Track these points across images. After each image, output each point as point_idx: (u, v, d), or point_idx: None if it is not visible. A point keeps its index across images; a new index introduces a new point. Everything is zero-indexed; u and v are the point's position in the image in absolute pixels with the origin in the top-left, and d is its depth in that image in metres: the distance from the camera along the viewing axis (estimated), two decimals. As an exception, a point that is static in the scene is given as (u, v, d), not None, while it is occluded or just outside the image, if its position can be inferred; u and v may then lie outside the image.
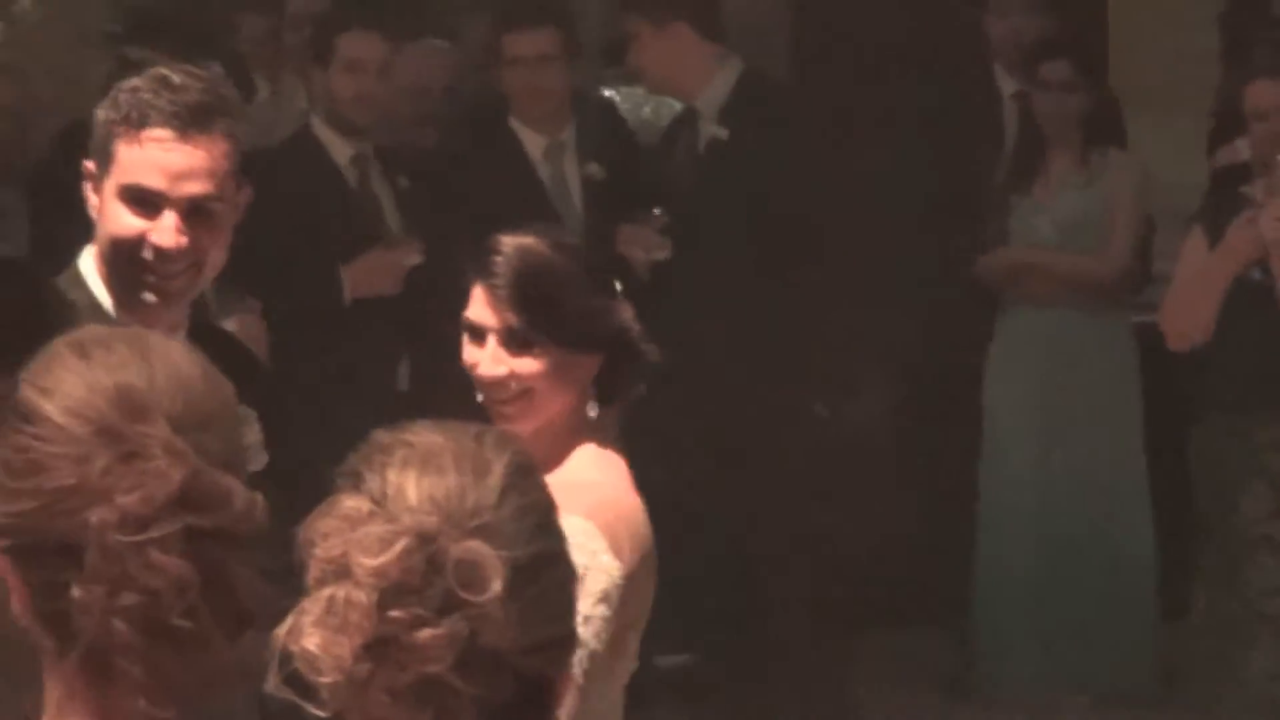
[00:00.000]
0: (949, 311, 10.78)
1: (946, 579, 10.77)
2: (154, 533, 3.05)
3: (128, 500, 3.05)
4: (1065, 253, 10.99)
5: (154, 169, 5.38)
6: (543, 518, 3.20)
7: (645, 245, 9.44)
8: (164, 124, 5.41)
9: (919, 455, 10.58)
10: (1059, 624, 10.88)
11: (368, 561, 3.00)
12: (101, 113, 5.60)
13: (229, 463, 3.19)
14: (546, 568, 3.15)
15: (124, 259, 5.45)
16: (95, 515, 3.06)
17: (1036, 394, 11.00)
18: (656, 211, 9.55)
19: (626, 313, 5.43)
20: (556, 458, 5.36)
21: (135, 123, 5.43)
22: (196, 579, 3.08)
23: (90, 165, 5.53)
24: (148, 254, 5.37)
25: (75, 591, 3.08)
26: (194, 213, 5.39)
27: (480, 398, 5.47)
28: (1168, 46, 12.02)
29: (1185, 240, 9.77)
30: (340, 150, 9.86)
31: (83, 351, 3.22)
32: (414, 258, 9.24)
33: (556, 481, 4.97)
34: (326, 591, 3.03)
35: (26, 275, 5.31)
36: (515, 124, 9.96)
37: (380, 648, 3.01)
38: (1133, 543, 10.93)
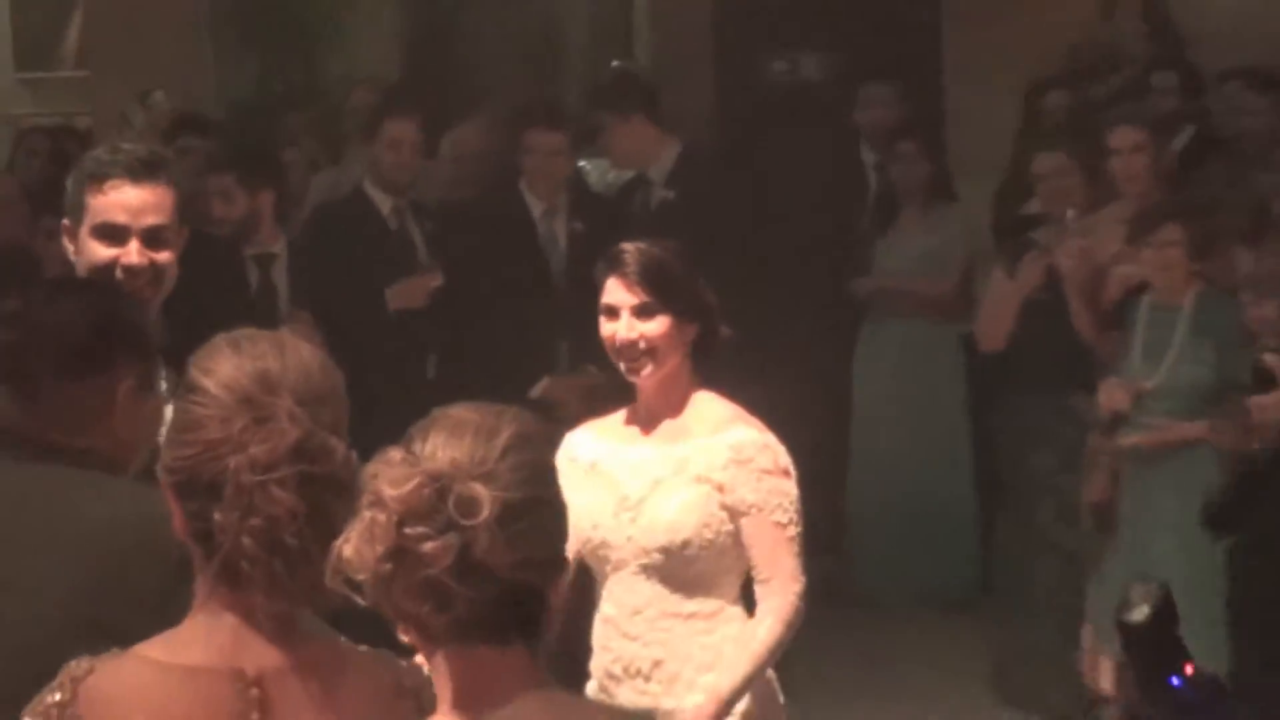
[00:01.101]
0: (831, 321, 11.00)
1: (829, 518, 10.82)
2: (275, 475, 3.29)
3: (257, 450, 3.30)
4: (912, 279, 11.05)
5: (117, 208, 5.26)
6: (536, 471, 3.26)
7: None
8: (120, 175, 5.28)
9: (811, 424, 10.66)
10: (908, 551, 10.98)
11: (391, 492, 3.16)
12: (70, 181, 5.49)
13: (335, 428, 3.40)
14: (534, 507, 3.22)
15: None
16: (233, 461, 3.30)
17: (890, 381, 11.08)
18: None
19: (711, 297, 5.63)
20: (679, 402, 5.63)
21: (99, 178, 5.30)
22: (304, 509, 3.31)
23: (66, 222, 5.41)
24: (120, 274, 5.19)
25: (216, 516, 3.31)
26: (150, 239, 5.24)
27: (619, 362, 5.60)
28: (988, 127, 12.06)
29: (992, 272, 9.86)
30: (384, 203, 9.89)
31: (236, 345, 3.43)
32: (437, 281, 9.35)
33: (711, 415, 5.57)
34: (365, 514, 3.22)
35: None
36: (524, 190, 10.02)
37: (398, 555, 3.15)
38: (959, 490, 11.06)
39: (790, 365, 10.09)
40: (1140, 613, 3.74)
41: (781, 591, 5.42)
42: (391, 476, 3.19)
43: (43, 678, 3.37)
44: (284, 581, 3.35)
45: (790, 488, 5.56)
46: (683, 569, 5.53)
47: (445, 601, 3.17)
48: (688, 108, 11.43)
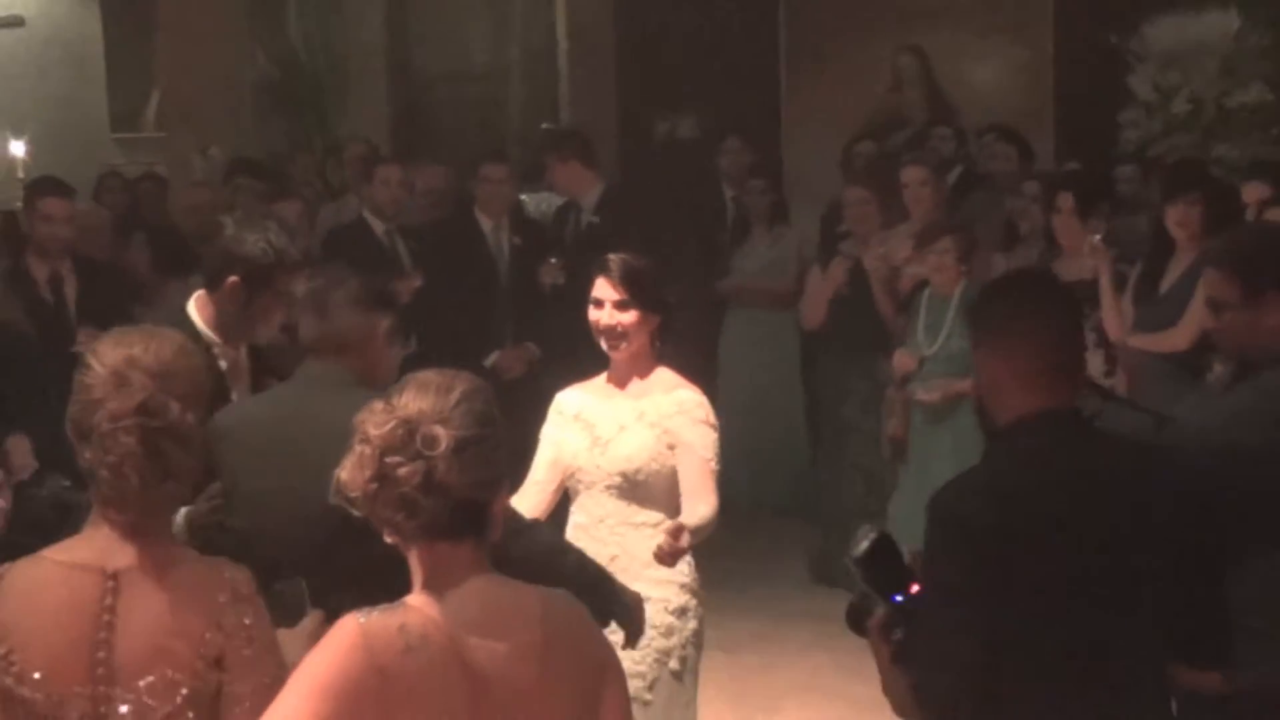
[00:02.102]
0: (703, 310, 10.83)
1: None
2: (122, 424, 3.31)
3: (113, 406, 3.33)
4: (760, 280, 11.01)
5: None
6: (480, 417, 3.30)
7: (550, 276, 9.49)
8: None
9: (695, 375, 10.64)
10: (755, 471, 10.77)
11: (375, 432, 3.22)
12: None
13: (184, 396, 3.39)
14: (479, 441, 3.26)
15: None
16: (98, 415, 3.34)
17: (745, 353, 11.05)
18: (554, 260, 9.58)
19: (672, 295, 5.60)
20: (645, 372, 5.60)
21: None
22: (140, 450, 3.31)
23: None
24: None
25: (86, 454, 3.37)
26: None
27: (600, 340, 5.57)
28: (815, 168, 12.06)
29: (810, 272, 9.93)
30: (378, 227, 9.84)
31: (117, 337, 3.48)
32: (417, 283, 9.23)
33: (666, 382, 5.60)
34: (356, 448, 3.25)
35: None
36: (478, 213, 9.97)
37: (380, 477, 3.21)
38: (793, 429, 11.05)
39: (675, 343, 10.10)
40: (860, 549, 3.75)
41: (705, 503, 5.40)
42: (375, 421, 3.26)
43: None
44: (132, 501, 3.35)
45: (713, 435, 5.56)
46: (635, 489, 5.53)
47: (414, 510, 3.23)
48: (599, 157, 11.29)
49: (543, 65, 15.31)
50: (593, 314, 5.58)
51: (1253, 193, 7.81)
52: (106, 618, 3.31)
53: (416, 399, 3.28)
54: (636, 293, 5.52)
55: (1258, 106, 11.42)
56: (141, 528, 3.38)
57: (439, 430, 3.24)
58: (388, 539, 3.30)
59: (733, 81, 13.28)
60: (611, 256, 5.61)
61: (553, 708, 3.26)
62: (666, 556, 5.14)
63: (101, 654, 3.30)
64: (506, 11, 15.81)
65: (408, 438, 3.23)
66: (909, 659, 3.70)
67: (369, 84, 15.86)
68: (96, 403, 3.36)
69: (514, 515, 4.40)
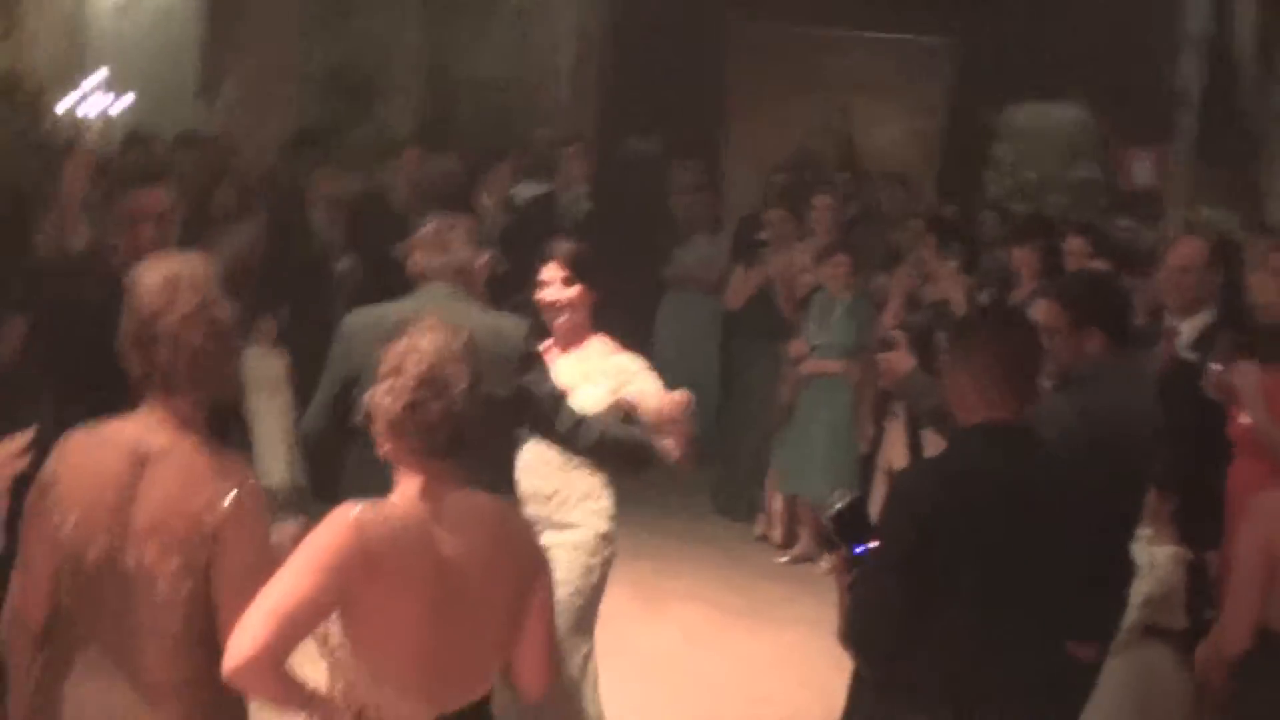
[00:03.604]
0: (648, 292, 10.77)
1: None
2: (189, 324, 3.30)
3: (180, 309, 3.31)
4: (695, 270, 10.76)
5: None
6: (477, 359, 3.27)
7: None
8: None
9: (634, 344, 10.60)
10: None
11: (411, 369, 3.15)
12: None
13: (222, 295, 3.37)
14: (478, 383, 3.23)
15: None
16: (164, 320, 3.31)
17: (677, 327, 10.80)
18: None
19: (605, 279, 5.43)
20: (582, 339, 5.36)
21: None
22: (203, 343, 3.31)
23: None
24: None
25: (156, 354, 3.30)
26: None
27: (545, 314, 5.37)
28: (746, 187, 12.02)
29: (736, 268, 9.89)
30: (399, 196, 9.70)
31: (156, 261, 3.47)
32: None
33: (603, 348, 5.26)
34: (388, 381, 3.18)
35: None
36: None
37: (410, 407, 3.15)
38: (709, 390, 10.28)
39: (627, 318, 10.08)
40: (834, 508, 3.75)
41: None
42: (409, 359, 3.20)
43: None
44: (199, 383, 3.33)
45: (658, 383, 5.37)
46: None
47: (430, 436, 3.20)
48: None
49: (547, 82, 15.26)
50: (539, 294, 5.40)
51: (1073, 244, 7.84)
52: (128, 491, 3.27)
53: (435, 340, 3.24)
54: (581, 273, 5.35)
55: (1087, 182, 11.55)
56: (186, 416, 3.33)
57: (458, 369, 3.22)
58: (380, 451, 3.27)
59: (690, 115, 13.19)
60: (559, 244, 5.49)
61: (496, 592, 3.26)
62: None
63: (122, 515, 3.27)
64: (527, 34, 15.74)
65: (436, 376, 3.20)
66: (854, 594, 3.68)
67: (406, 81, 15.77)
68: (157, 312, 3.30)
69: (573, 413, 4.84)
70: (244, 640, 3.03)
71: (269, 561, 3.21)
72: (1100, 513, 3.80)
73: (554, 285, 5.37)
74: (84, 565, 3.29)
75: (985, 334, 3.83)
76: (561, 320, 5.37)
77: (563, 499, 5.35)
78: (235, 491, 3.24)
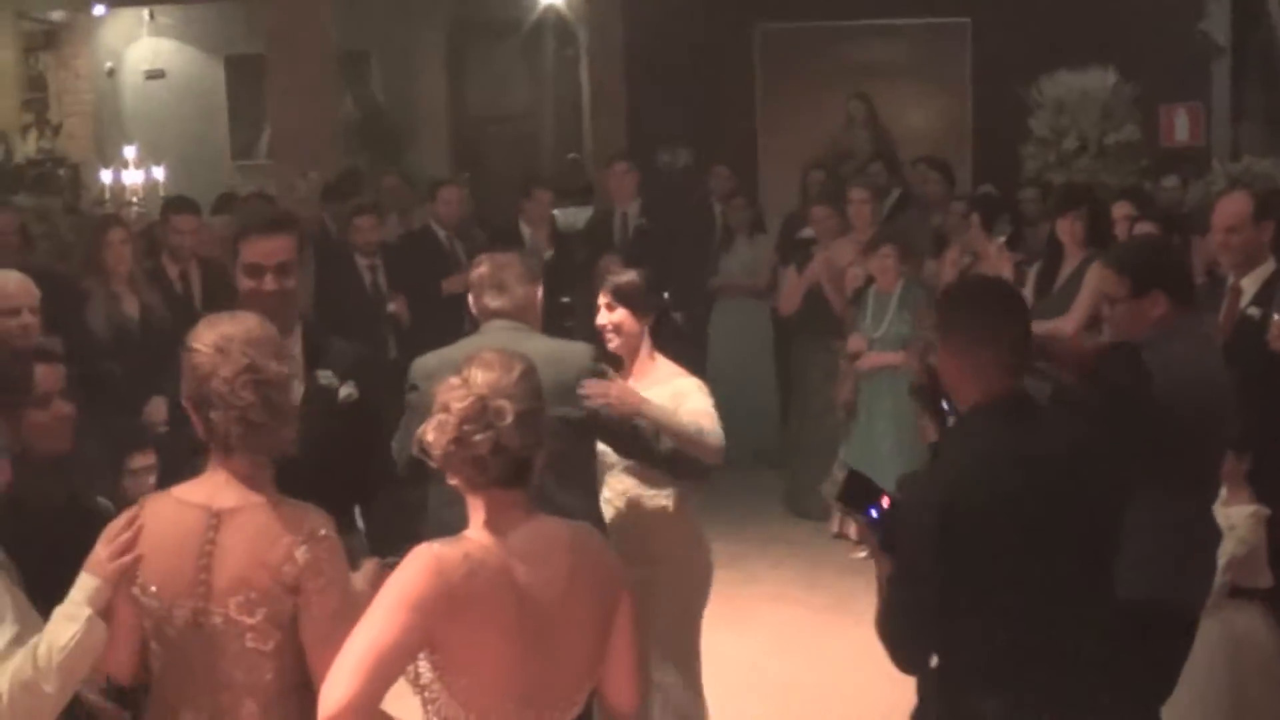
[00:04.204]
0: (700, 302, 10.68)
1: None
2: (237, 382, 3.31)
3: (225, 372, 3.32)
4: (742, 278, 10.82)
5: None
6: (535, 391, 3.24)
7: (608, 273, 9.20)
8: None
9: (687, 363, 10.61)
10: (738, 427, 10.76)
11: (455, 405, 3.13)
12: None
13: (274, 355, 3.38)
14: (533, 414, 3.19)
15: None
16: (214, 381, 3.32)
17: (729, 335, 10.84)
18: (611, 256, 9.29)
19: (663, 301, 5.41)
20: (646, 366, 5.30)
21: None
22: (256, 400, 3.31)
23: None
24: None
25: (211, 414, 3.34)
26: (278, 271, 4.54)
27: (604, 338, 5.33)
28: (784, 190, 12.00)
29: (788, 270, 9.81)
30: (440, 234, 9.71)
31: (210, 322, 3.46)
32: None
33: (665, 372, 5.17)
34: (437, 417, 3.16)
35: None
36: (521, 223, 10.04)
37: (457, 441, 3.13)
38: (767, 393, 10.82)
39: (674, 332, 10.08)
40: (835, 485, 3.74)
41: (715, 430, 5.18)
42: (455, 396, 3.19)
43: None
44: (251, 444, 3.33)
45: (710, 400, 5.26)
46: (645, 469, 5.31)
47: (484, 468, 3.19)
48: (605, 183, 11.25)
49: (569, 108, 15.31)
50: (599, 317, 5.40)
51: (1120, 210, 7.80)
52: (208, 548, 3.29)
53: (486, 375, 3.22)
54: (622, 298, 5.29)
55: (1129, 143, 11.45)
56: (249, 475, 3.35)
57: (506, 404, 3.19)
58: (450, 483, 3.27)
59: (720, 121, 13.21)
60: (609, 269, 5.49)
61: (579, 615, 3.25)
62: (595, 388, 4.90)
63: (203, 576, 3.28)
64: (541, 65, 15.81)
65: (481, 410, 3.18)
66: (889, 551, 3.61)
67: (433, 124, 15.88)
68: (208, 374, 3.32)
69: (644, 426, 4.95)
70: (336, 688, 3.02)
71: (353, 606, 3.22)
72: (1124, 469, 3.70)
73: (601, 311, 5.37)
74: (170, 629, 3.31)
75: (976, 310, 3.70)
76: (614, 345, 5.34)
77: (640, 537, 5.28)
78: (309, 542, 3.26)
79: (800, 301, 9.61)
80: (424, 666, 3.15)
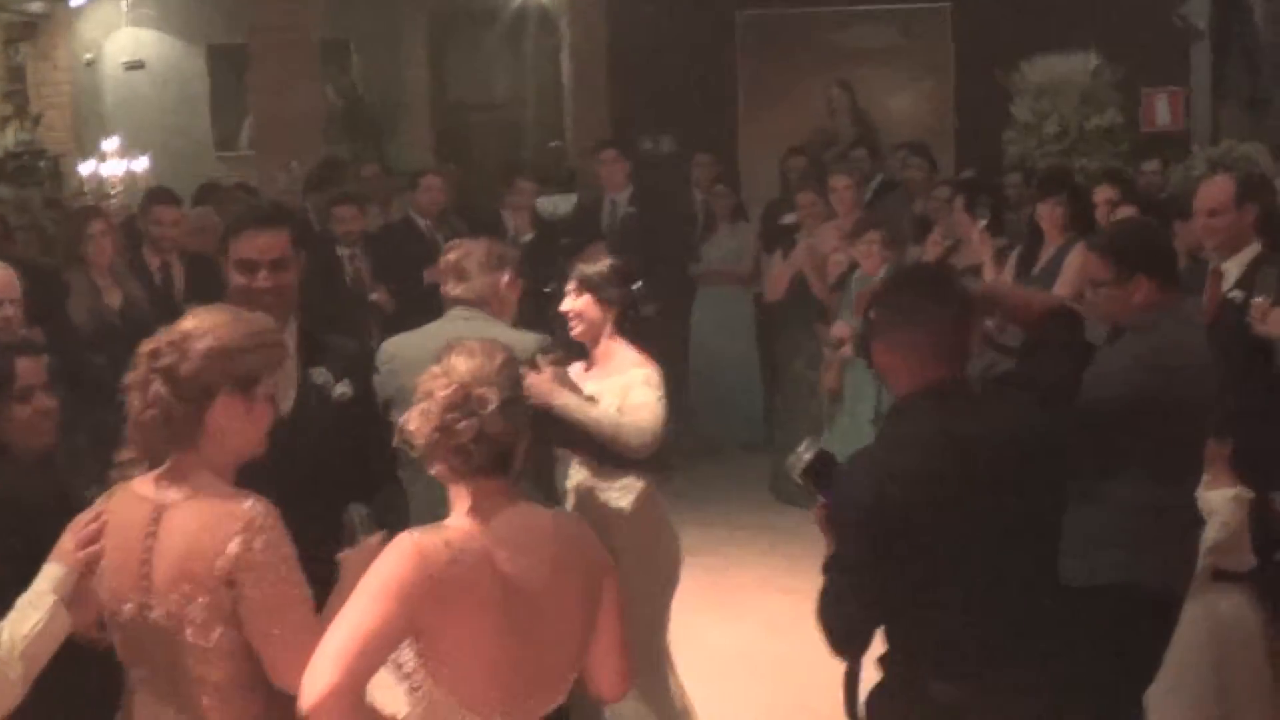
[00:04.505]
0: (682, 289, 10.74)
1: (680, 398, 10.81)
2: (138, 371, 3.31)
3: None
4: (724, 265, 10.83)
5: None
6: (517, 379, 3.26)
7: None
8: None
9: (670, 348, 10.59)
10: (723, 415, 10.87)
11: (439, 393, 3.13)
12: None
13: (206, 351, 3.29)
14: (516, 401, 3.21)
15: None
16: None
17: (713, 323, 10.89)
18: (600, 244, 9.45)
19: (630, 293, 5.37)
20: (607, 354, 5.30)
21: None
22: (162, 389, 3.27)
23: None
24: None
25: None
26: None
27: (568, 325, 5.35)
28: (764, 177, 12.01)
29: (774, 257, 9.78)
30: (420, 223, 9.78)
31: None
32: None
33: (623, 362, 5.11)
34: (420, 405, 3.17)
35: None
36: (504, 213, 10.01)
37: (441, 430, 3.13)
38: (751, 381, 10.87)
39: (661, 312, 10.12)
40: (801, 461, 3.71)
41: (628, 415, 5.12)
42: (438, 384, 3.19)
43: None
44: (158, 443, 3.33)
45: (654, 394, 5.20)
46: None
47: (467, 456, 3.18)
48: (594, 170, 11.24)
49: (551, 96, 15.27)
50: (563, 304, 5.41)
51: (1102, 194, 7.82)
52: (150, 542, 3.24)
53: (468, 364, 3.22)
54: (588, 286, 5.29)
55: (1110, 128, 11.47)
56: (205, 466, 3.30)
57: (488, 392, 3.19)
58: (432, 472, 3.26)
59: (700, 109, 13.21)
60: (579, 264, 5.48)
61: (562, 603, 3.24)
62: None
63: (145, 570, 3.24)
64: (522, 53, 15.77)
65: (464, 398, 3.18)
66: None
67: (415, 113, 15.84)
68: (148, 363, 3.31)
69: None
70: (318, 677, 3.00)
71: (290, 601, 3.17)
72: (1060, 450, 3.67)
73: (568, 297, 5.38)
74: (120, 620, 3.29)
75: (904, 300, 3.67)
76: (577, 332, 5.36)
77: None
78: (244, 533, 3.16)
79: (786, 288, 9.59)
80: (407, 655, 3.14)
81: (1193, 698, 5.45)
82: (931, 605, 3.46)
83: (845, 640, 3.55)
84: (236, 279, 4.35)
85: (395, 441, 3.29)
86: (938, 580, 3.44)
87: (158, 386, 3.25)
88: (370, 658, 3.04)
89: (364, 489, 4.36)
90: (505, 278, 5.01)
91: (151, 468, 3.36)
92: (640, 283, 5.44)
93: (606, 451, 5.05)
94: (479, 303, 4.94)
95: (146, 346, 3.31)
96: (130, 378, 3.30)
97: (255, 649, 3.18)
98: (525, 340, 4.84)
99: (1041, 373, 3.73)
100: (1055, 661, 3.60)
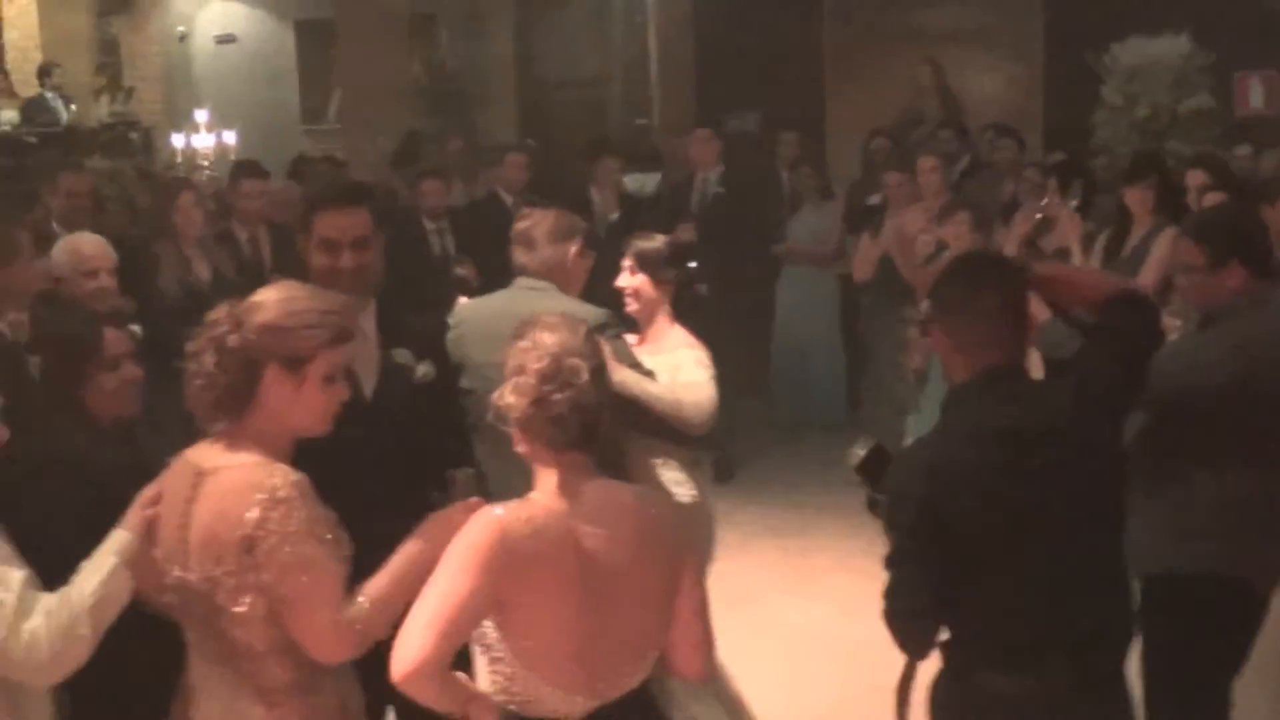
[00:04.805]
0: (767, 268, 10.73)
1: (763, 377, 10.83)
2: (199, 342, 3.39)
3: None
4: (809, 244, 10.74)
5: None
6: (599, 349, 3.27)
7: (686, 235, 8.96)
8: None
9: (754, 328, 10.55)
10: (807, 396, 10.85)
11: (532, 366, 3.14)
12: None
13: (265, 325, 3.37)
14: (603, 371, 3.22)
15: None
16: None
17: (797, 302, 10.84)
18: (687, 224, 9.40)
19: (686, 271, 5.39)
20: (660, 333, 5.27)
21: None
22: (212, 364, 3.36)
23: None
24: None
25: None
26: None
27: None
28: (851, 157, 11.94)
29: (862, 238, 9.64)
30: (506, 198, 9.79)
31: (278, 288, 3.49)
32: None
33: (674, 341, 5.11)
34: (513, 380, 3.17)
35: None
36: (591, 189, 10.07)
37: (537, 403, 3.15)
38: (836, 361, 10.86)
39: (746, 291, 10.08)
40: (856, 456, 3.67)
41: (681, 388, 5.07)
42: (532, 356, 3.20)
43: None
44: (207, 413, 3.41)
45: (705, 372, 5.17)
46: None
47: (564, 427, 3.19)
48: (682, 147, 11.20)
49: (637, 74, 15.25)
50: (621, 279, 5.38)
51: (1194, 179, 7.70)
52: (188, 507, 3.31)
53: (554, 336, 3.23)
54: (643, 264, 5.28)
55: (1202, 111, 11.29)
56: (255, 436, 3.35)
57: (579, 362, 3.21)
58: (518, 449, 3.26)
59: (787, 87, 13.15)
60: (633, 240, 5.44)
61: (644, 581, 3.25)
62: None
63: (182, 534, 3.32)
64: (609, 30, 15.76)
65: (557, 369, 3.19)
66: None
67: (501, 89, 15.87)
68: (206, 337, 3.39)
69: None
70: (408, 649, 3.05)
71: (304, 569, 3.20)
72: (1114, 439, 3.60)
73: (624, 274, 5.36)
74: (170, 584, 3.37)
75: (960, 288, 3.61)
76: (632, 309, 5.34)
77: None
78: (264, 501, 3.20)
79: (874, 269, 9.54)
80: (488, 626, 3.17)
81: (1279, 690, 5.36)
82: (982, 596, 3.43)
83: (909, 636, 3.52)
84: (319, 258, 4.26)
85: (489, 418, 3.28)
86: (986, 571, 3.41)
87: (208, 356, 3.33)
88: (456, 631, 3.08)
89: (444, 468, 4.31)
90: (573, 249, 4.97)
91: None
92: (695, 263, 5.41)
93: (665, 427, 5.00)
94: (545, 273, 4.91)
95: (211, 316, 3.38)
96: (191, 345, 3.37)
97: (281, 615, 3.23)
98: (585, 313, 4.72)
99: (1100, 359, 3.65)
100: (1113, 656, 3.56)
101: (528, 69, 16.33)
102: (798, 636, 6.91)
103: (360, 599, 3.26)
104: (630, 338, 5.30)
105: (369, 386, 4.20)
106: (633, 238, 5.48)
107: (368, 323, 4.28)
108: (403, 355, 4.32)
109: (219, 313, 3.37)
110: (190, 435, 3.99)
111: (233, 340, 3.31)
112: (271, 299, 3.38)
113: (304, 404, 3.37)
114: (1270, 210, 6.84)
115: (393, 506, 3.61)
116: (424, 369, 4.32)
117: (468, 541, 3.12)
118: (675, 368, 5.15)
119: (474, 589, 3.07)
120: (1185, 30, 11.25)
